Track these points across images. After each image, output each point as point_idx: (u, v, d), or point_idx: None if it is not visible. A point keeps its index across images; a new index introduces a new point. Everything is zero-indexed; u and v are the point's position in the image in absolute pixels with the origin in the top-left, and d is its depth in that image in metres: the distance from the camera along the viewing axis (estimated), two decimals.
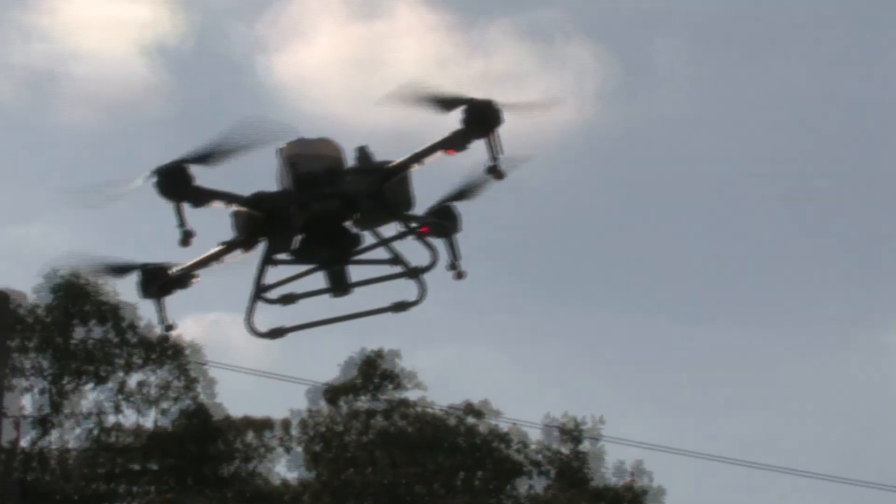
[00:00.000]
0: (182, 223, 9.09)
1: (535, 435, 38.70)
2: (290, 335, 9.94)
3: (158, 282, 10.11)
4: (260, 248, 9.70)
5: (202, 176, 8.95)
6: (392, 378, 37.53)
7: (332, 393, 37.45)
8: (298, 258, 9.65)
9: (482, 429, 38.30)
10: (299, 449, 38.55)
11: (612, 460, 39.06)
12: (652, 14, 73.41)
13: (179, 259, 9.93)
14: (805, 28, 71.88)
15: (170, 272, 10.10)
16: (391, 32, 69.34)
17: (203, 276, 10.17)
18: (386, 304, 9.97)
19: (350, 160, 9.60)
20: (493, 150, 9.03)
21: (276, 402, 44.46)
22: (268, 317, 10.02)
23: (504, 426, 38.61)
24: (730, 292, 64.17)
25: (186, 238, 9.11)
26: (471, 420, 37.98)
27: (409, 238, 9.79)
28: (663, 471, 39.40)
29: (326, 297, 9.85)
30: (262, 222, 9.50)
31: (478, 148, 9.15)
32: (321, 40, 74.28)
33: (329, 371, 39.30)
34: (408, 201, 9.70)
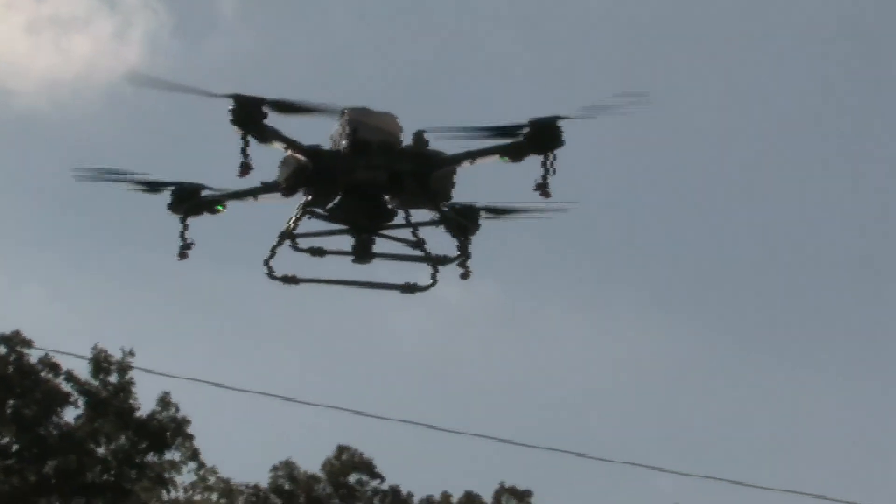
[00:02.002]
0: (245, 154, 9.51)
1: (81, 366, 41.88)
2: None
3: (190, 201, 10.49)
4: (297, 198, 10.22)
5: None
6: None
7: None
8: (332, 217, 10.19)
9: (33, 359, 41.59)
10: None
11: (143, 391, 42.96)
12: None
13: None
14: None
15: (203, 195, 10.50)
16: None
17: (235, 208, 10.75)
18: (397, 281, 10.57)
19: (406, 140, 10.05)
20: (547, 170, 9.55)
21: None
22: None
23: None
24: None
25: (245, 169, 9.53)
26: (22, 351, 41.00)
27: (433, 227, 10.48)
28: (191, 402, 43.34)
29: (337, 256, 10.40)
30: (309, 174, 9.93)
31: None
32: None
33: None
34: (447, 194, 10.21)
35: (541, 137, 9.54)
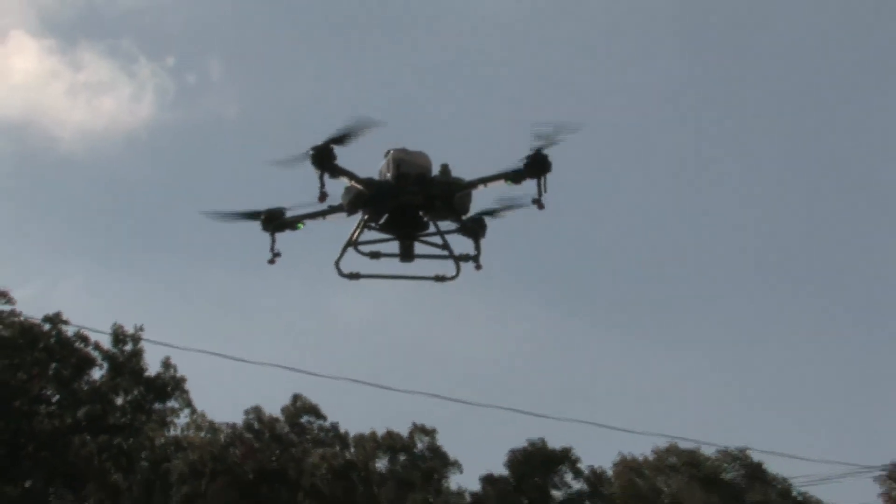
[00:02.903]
0: (321, 186, 10.73)
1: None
2: (363, 280, 11.78)
3: (276, 221, 11.82)
4: (357, 216, 11.49)
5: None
6: None
7: None
8: (383, 229, 11.54)
9: (69, 333, 46.79)
10: None
11: (150, 357, 48.77)
12: (201, 34, 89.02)
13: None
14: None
15: (286, 216, 11.86)
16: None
17: (308, 225, 11.94)
18: (431, 274, 11.80)
19: (435, 171, 11.32)
20: (541, 189, 10.83)
21: None
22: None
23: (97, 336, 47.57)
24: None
25: (322, 197, 10.76)
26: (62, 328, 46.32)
27: (456, 234, 11.76)
28: (187, 364, 50.93)
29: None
30: (366, 198, 11.22)
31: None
32: None
33: None
34: (466, 210, 11.50)
35: (536, 167, 10.76)
